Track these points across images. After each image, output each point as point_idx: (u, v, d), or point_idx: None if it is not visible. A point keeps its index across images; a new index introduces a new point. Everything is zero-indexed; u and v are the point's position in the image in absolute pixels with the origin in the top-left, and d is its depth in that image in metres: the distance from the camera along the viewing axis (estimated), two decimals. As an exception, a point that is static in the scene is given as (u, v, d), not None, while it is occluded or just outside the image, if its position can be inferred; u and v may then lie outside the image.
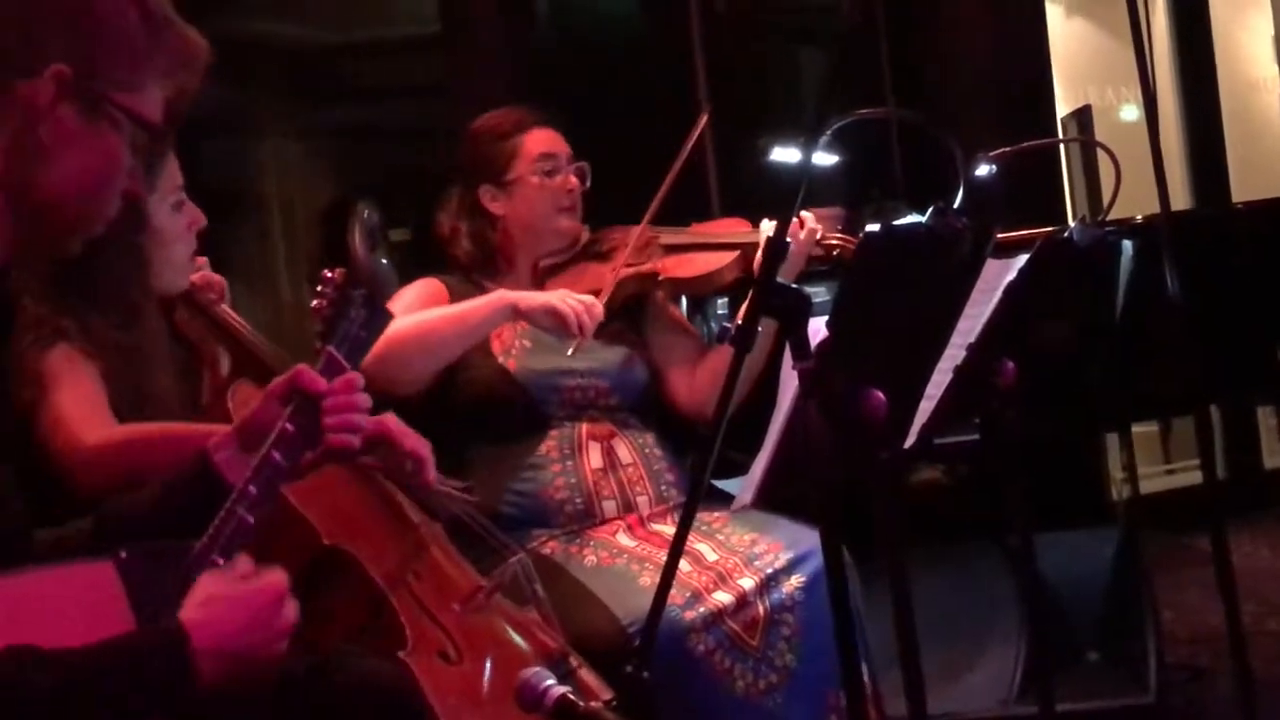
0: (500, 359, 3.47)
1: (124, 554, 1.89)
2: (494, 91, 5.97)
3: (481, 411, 3.42)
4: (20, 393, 2.53)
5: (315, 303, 2.97)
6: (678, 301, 3.87)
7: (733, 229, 3.65)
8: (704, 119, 3.69)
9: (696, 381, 3.60)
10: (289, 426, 2.06)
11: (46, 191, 1.91)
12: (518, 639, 2.88)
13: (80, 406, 2.57)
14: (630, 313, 3.65)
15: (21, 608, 1.81)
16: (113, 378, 2.63)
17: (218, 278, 2.98)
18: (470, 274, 3.63)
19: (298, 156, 7.35)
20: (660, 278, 3.59)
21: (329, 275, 2.83)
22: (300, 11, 7.27)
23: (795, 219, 3.42)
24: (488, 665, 2.74)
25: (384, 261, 4.71)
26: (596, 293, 3.48)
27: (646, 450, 3.49)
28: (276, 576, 1.95)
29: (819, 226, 3.48)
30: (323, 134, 7.43)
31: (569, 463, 3.41)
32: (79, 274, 2.58)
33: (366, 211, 4.73)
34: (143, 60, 1.94)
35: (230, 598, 1.89)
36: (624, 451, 3.47)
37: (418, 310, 3.44)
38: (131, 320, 2.66)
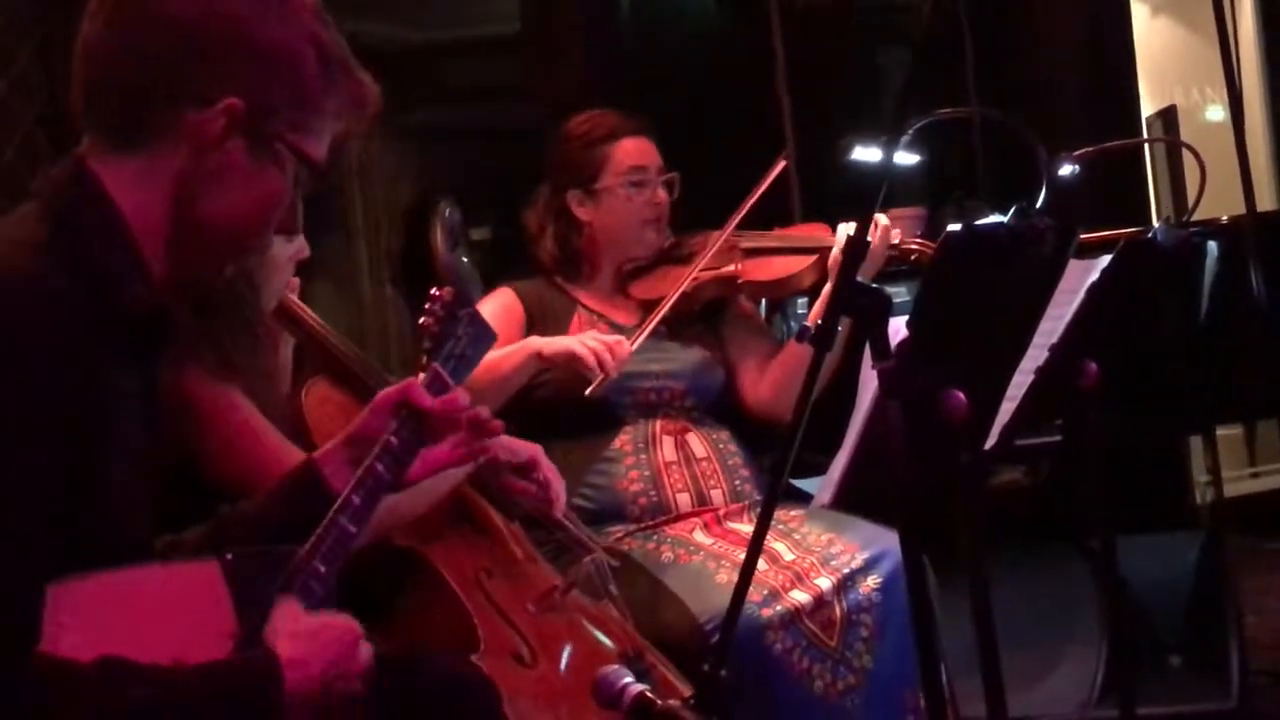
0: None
1: (229, 555, 1.91)
2: (573, 92, 5.98)
3: (554, 410, 3.43)
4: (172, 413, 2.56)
5: (423, 320, 2.99)
6: (757, 304, 3.87)
7: (813, 234, 3.66)
8: (781, 164, 3.68)
9: (765, 380, 3.61)
10: (394, 440, 2.09)
11: (207, 219, 1.93)
12: (596, 636, 2.89)
13: (256, 427, 2.61)
14: (710, 316, 3.66)
15: (129, 603, 1.82)
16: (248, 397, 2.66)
17: (294, 280, 3.01)
18: (552, 276, 3.65)
19: (380, 156, 7.39)
20: (739, 281, 3.60)
21: (437, 294, 2.86)
22: (384, 11, 7.31)
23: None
24: (564, 662, 2.75)
25: (465, 260, 4.75)
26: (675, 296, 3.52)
27: (721, 445, 3.50)
28: (349, 619, 1.94)
29: (896, 229, 3.47)
30: (405, 134, 7.47)
31: (642, 456, 3.43)
32: (211, 299, 2.61)
33: (448, 210, 4.77)
34: (317, 103, 1.96)
35: (317, 636, 1.89)
36: (698, 445, 3.48)
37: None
38: (256, 342, 2.70)
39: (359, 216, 7.08)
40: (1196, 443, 5.75)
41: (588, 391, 3.34)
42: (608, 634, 2.90)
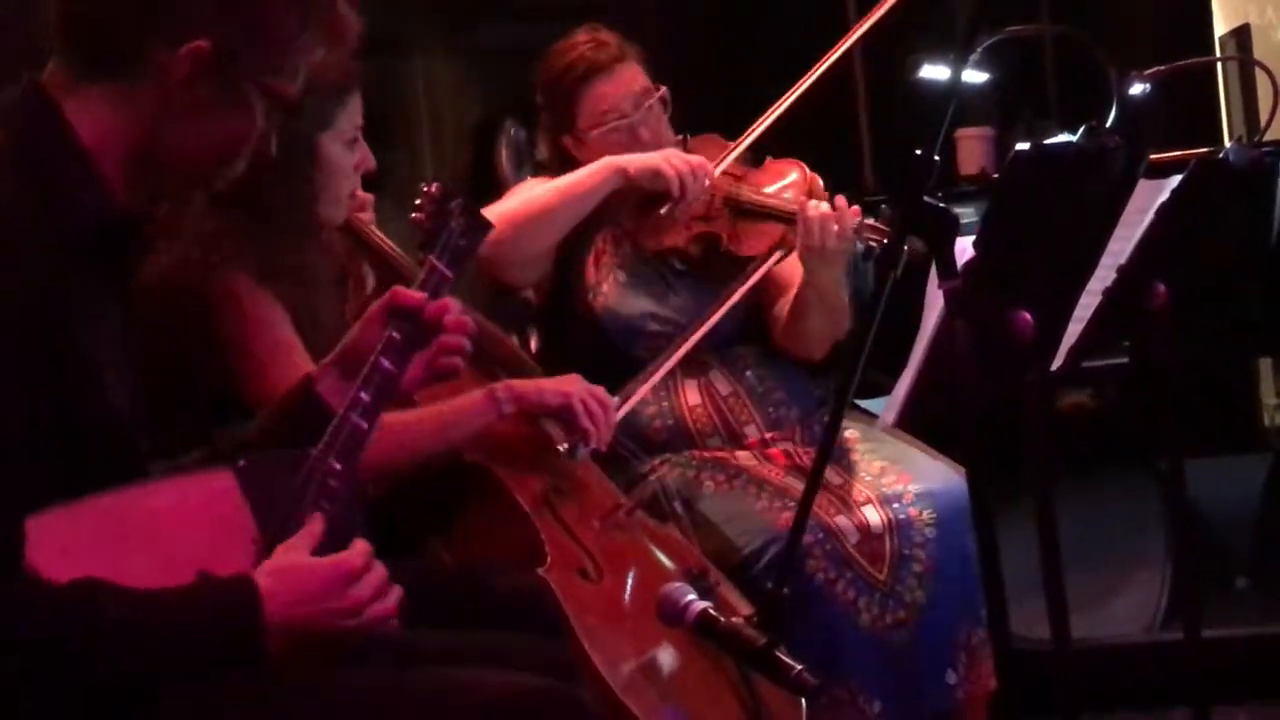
0: (590, 294, 3.46)
1: (243, 462, 1.92)
2: (647, 8, 5.95)
3: (572, 354, 3.36)
4: (210, 312, 2.58)
5: (414, 215, 3.00)
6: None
7: (787, 186, 3.51)
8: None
9: (780, 330, 3.50)
10: (396, 335, 2.08)
11: (169, 152, 1.94)
12: (659, 554, 2.90)
13: (279, 354, 2.62)
14: (706, 259, 3.52)
15: (145, 519, 1.84)
16: (284, 301, 2.67)
17: (366, 195, 3.01)
18: None
19: (446, 74, 7.37)
20: (721, 248, 3.48)
21: (426, 189, 2.86)
22: (452, -71, 7.28)
23: (829, 203, 3.33)
24: (629, 580, 2.77)
25: (530, 179, 4.74)
26: (676, 251, 3.48)
27: (747, 374, 3.44)
28: (354, 554, 1.92)
29: (853, 218, 3.33)
30: (471, 52, 7.45)
31: (665, 403, 3.38)
32: (250, 196, 2.62)
33: (514, 129, 4.76)
34: (288, 44, 1.96)
35: (302, 569, 1.88)
36: (723, 383, 3.42)
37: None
38: (301, 244, 2.70)
39: (424, 135, 7.09)
40: (1266, 365, 5.71)
41: (662, 210, 3.32)
42: (671, 553, 2.92)
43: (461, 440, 2.76)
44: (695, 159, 3.34)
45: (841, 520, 3.13)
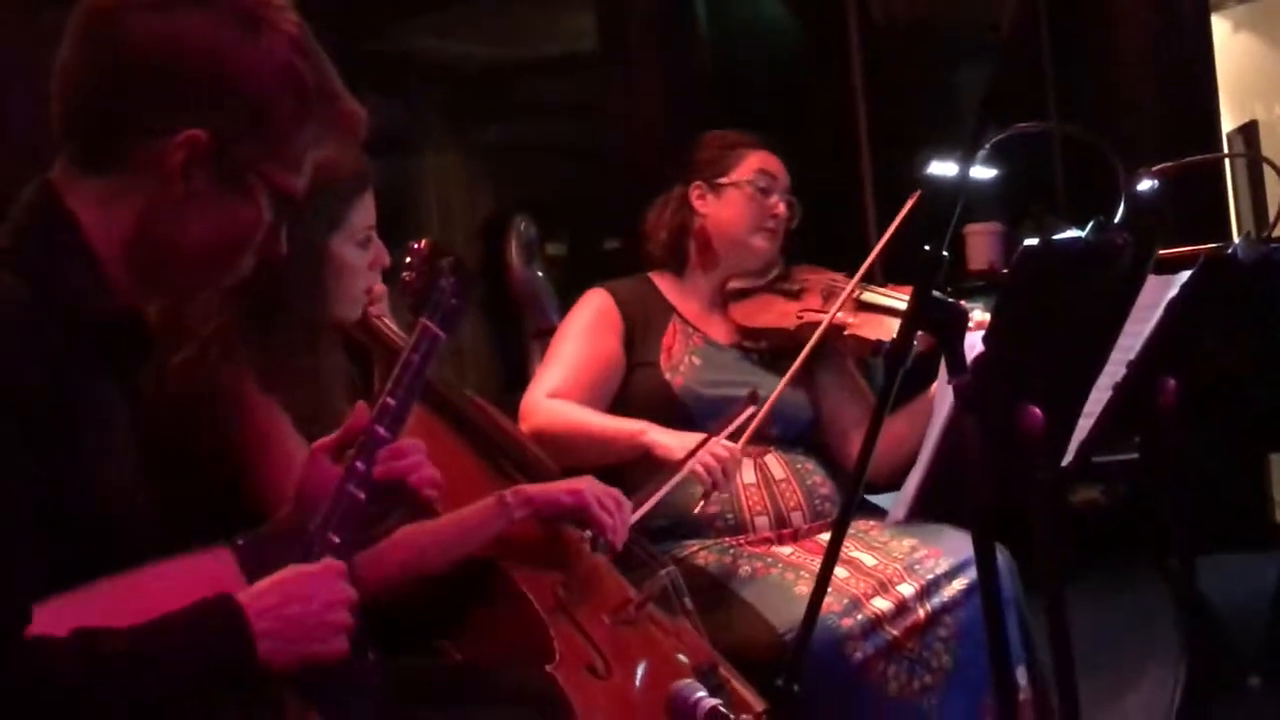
0: (667, 374, 3.49)
1: (240, 540, 1.92)
2: (650, 109, 5.99)
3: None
4: (216, 419, 2.57)
5: (404, 275, 3.00)
6: (855, 359, 3.76)
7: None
8: (914, 199, 3.65)
9: (855, 445, 3.51)
10: (390, 401, 2.07)
11: (172, 245, 1.93)
12: (670, 650, 2.89)
13: (282, 468, 2.61)
14: (812, 354, 3.57)
15: (142, 595, 1.84)
16: (293, 407, 2.66)
17: (379, 287, 3.01)
18: (650, 276, 3.65)
19: (457, 171, 7.43)
20: (845, 332, 3.54)
21: (416, 247, 2.86)
22: (462, 29, 7.35)
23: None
24: (639, 675, 2.75)
25: (540, 275, 4.76)
26: (776, 330, 3.54)
27: (798, 465, 3.47)
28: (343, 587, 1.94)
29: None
30: (482, 149, 7.51)
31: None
32: (259, 299, 2.62)
33: (524, 225, 4.79)
34: (289, 135, 1.94)
35: (286, 574, 1.90)
36: (777, 467, 3.45)
37: (586, 342, 3.52)
38: (311, 346, 2.69)
39: (435, 230, 7.13)
40: (1276, 461, 5.70)
41: (695, 510, 3.32)
42: (682, 648, 2.90)
43: (477, 548, 2.75)
44: (728, 450, 3.30)
45: (879, 602, 3.14)
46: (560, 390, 3.44)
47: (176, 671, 1.78)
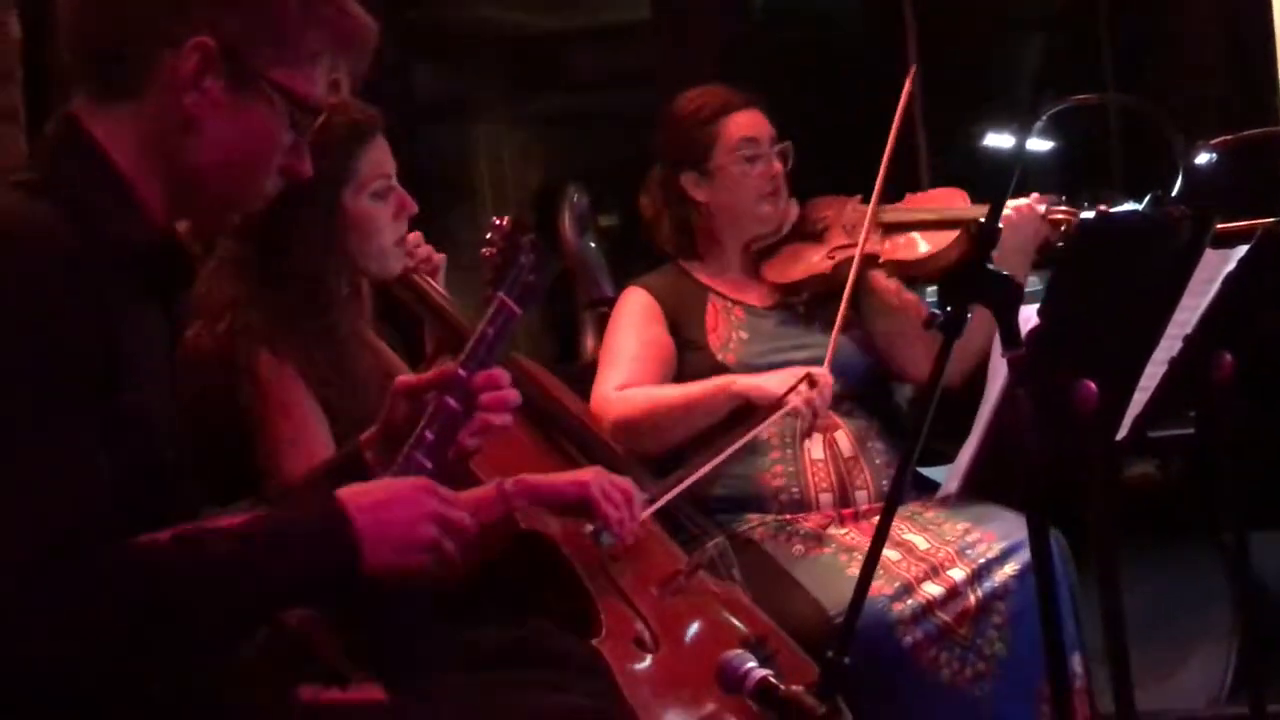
0: (719, 355, 3.45)
1: None
2: (704, 77, 5.98)
3: None
4: (232, 389, 2.57)
5: (484, 250, 2.99)
6: (903, 281, 3.75)
7: (950, 202, 3.56)
8: (910, 77, 3.63)
9: (922, 348, 3.48)
10: (462, 372, 2.07)
11: (194, 162, 1.92)
12: (724, 615, 2.88)
13: (301, 443, 2.61)
14: (852, 291, 3.56)
15: None
16: (312, 370, 2.66)
17: (438, 256, 3.00)
18: (677, 261, 3.63)
19: (510, 141, 7.43)
20: (881, 260, 3.52)
21: (498, 222, 2.84)
22: (517, -1, 7.35)
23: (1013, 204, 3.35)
24: (690, 634, 2.75)
25: (593, 246, 4.74)
26: (812, 279, 3.49)
27: (869, 443, 3.42)
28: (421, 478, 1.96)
29: (1041, 204, 3.37)
30: (535, 120, 7.51)
31: (789, 451, 3.37)
32: (269, 260, 2.62)
33: (576, 196, 4.77)
34: (298, 36, 1.93)
35: (377, 484, 1.93)
36: (847, 445, 3.40)
37: (638, 344, 3.48)
38: (325, 307, 2.69)
39: (487, 201, 7.14)
40: (1334, 437, 5.65)
41: (806, 443, 3.33)
42: (735, 615, 2.90)
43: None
44: (821, 375, 3.27)
45: (930, 587, 3.12)
46: (626, 382, 3.42)
47: (283, 571, 1.81)
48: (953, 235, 3.43)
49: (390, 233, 2.78)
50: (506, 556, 2.74)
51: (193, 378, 2.46)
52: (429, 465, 2.01)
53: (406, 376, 2.18)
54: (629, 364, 3.46)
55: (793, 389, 3.23)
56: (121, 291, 1.84)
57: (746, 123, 3.54)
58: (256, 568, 1.78)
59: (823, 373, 3.28)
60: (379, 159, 2.75)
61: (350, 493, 1.88)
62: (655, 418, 3.36)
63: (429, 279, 2.94)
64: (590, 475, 2.75)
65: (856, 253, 3.46)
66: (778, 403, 3.22)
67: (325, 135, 2.48)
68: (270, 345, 2.60)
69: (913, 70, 3.70)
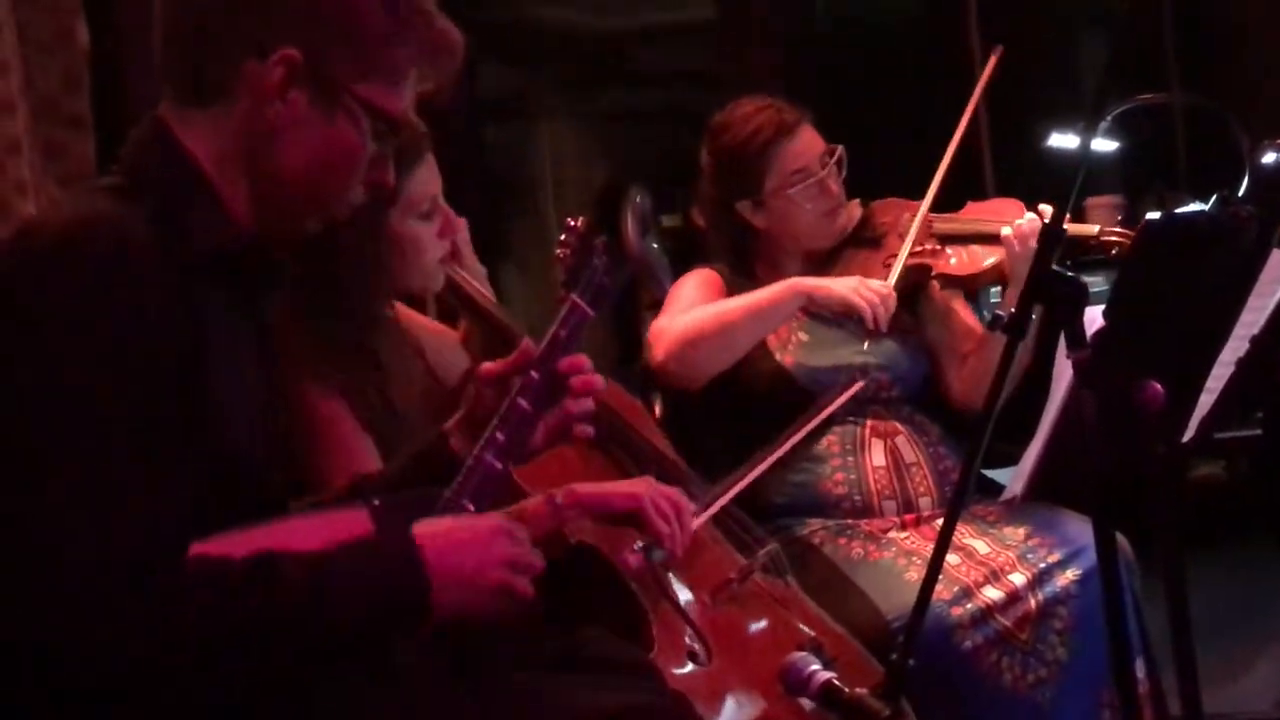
0: (777, 355, 3.43)
1: (377, 502, 1.94)
2: (767, 76, 5.98)
3: (760, 409, 3.37)
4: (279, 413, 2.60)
5: (559, 251, 2.98)
6: (965, 293, 3.75)
7: (1007, 213, 3.55)
8: (996, 56, 3.61)
9: (966, 372, 3.52)
10: (534, 374, 2.08)
11: (277, 170, 1.93)
12: (787, 615, 2.88)
13: (354, 445, 2.62)
14: (907, 298, 3.58)
15: (283, 547, 1.85)
16: (355, 389, 2.67)
17: (479, 268, 3.00)
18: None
19: (573, 140, 7.44)
20: (933, 273, 3.52)
21: (572, 224, 2.84)
22: (582, -2, 7.36)
23: (1027, 219, 3.35)
24: (747, 635, 2.74)
25: (655, 246, 4.74)
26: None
27: (931, 449, 3.41)
28: (496, 517, 1.97)
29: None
30: (598, 118, 7.51)
31: (850, 459, 3.37)
32: (315, 288, 2.62)
33: (639, 196, 4.76)
34: (385, 52, 1.94)
35: (453, 523, 1.93)
36: (908, 450, 3.39)
37: (700, 297, 3.46)
38: (369, 331, 2.69)
39: (549, 200, 7.15)
40: (1403, 439, 5.60)
41: (865, 346, 3.33)
42: (795, 617, 2.90)
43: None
44: (881, 286, 3.32)
45: (990, 591, 3.10)
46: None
47: (353, 606, 1.80)
48: (999, 250, 3.42)
49: (434, 250, 2.79)
50: (556, 569, 2.74)
51: None
52: (499, 467, 2.02)
53: (490, 364, 2.18)
54: (690, 308, 3.43)
55: (855, 291, 3.26)
56: (206, 291, 1.86)
57: (798, 149, 3.50)
58: (325, 600, 1.79)
59: (886, 285, 3.32)
60: (427, 179, 2.76)
61: (427, 532, 1.88)
62: (720, 330, 3.33)
63: (470, 279, 2.93)
64: (642, 487, 2.72)
65: (897, 263, 3.46)
66: (840, 308, 3.31)
67: None
68: (313, 370, 2.62)
69: (998, 52, 3.66)
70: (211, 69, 1.91)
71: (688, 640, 2.69)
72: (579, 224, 2.57)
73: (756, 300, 3.35)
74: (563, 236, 2.90)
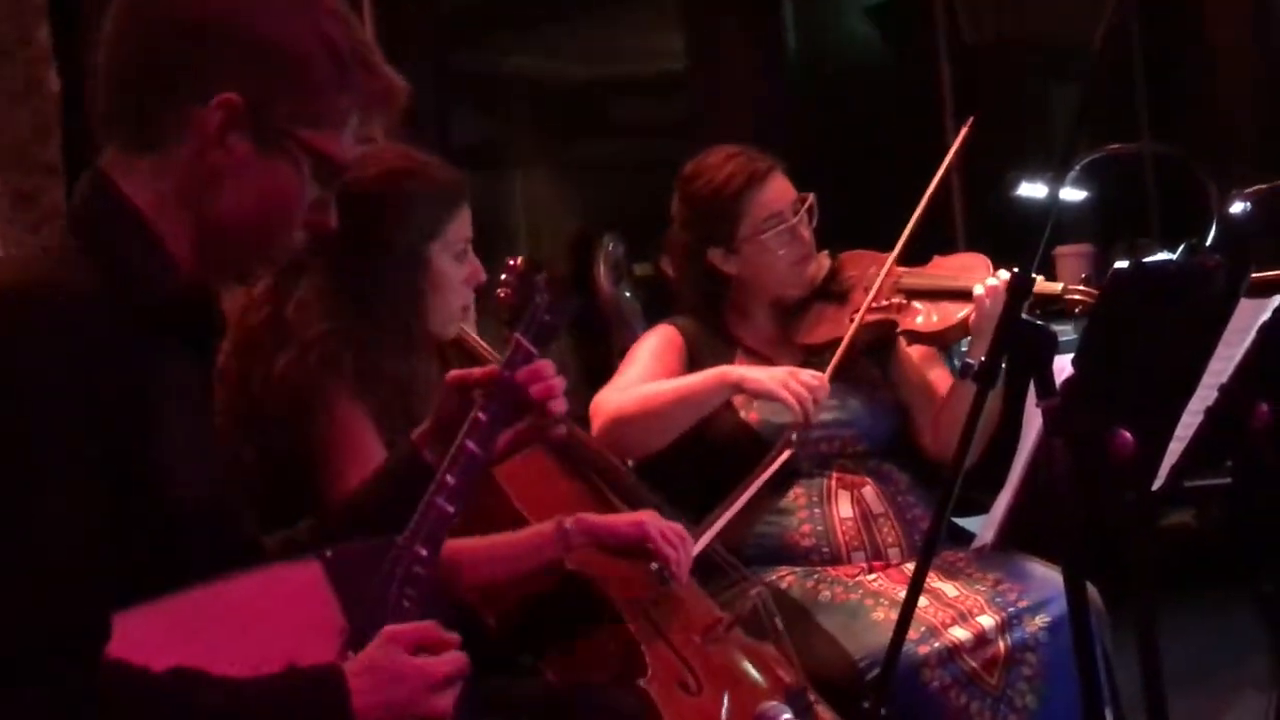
0: (741, 412, 3.41)
1: (329, 553, 1.93)
2: (739, 127, 6.00)
3: (724, 464, 3.33)
4: (305, 414, 2.59)
5: (499, 291, 2.98)
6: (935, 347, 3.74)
7: (975, 268, 3.55)
8: (968, 126, 3.62)
9: (938, 423, 3.51)
10: (482, 416, 2.08)
11: (218, 215, 1.92)
12: (755, 672, 2.88)
13: (359, 471, 2.62)
14: (875, 353, 3.58)
15: (232, 611, 1.84)
16: (385, 412, 2.68)
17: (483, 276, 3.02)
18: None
19: (547, 188, 7.46)
20: (898, 330, 3.51)
21: (512, 263, 2.83)
22: (552, 48, 7.39)
23: (998, 277, 3.35)
24: (726, 697, 2.75)
25: (628, 295, 4.75)
26: (835, 342, 3.44)
27: (899, 498, 3.39)
28: (447, 660, 1.92)
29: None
30: (571, 167, 7.54)
31: (817, 510, 3.35)
32: (361, 305, 2.64)
33: (612, 245, 4.79)
34: (327, 98, 1.93)
35: (391, 671, 1.87)
36: (875, 502, 3.37)
37: (652, 365, 3.45)
38: (407, 353, 2.71)
39: (523, 248, 7.16)
40: (1374, 486, 5.62)
41: (793, 437, 3.26)
42: (764, 672, 2.90)
43: (528, 572, 2.74)
44: (812, 377, 3.27)
45: (957, 631, 3.10)
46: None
47: None
48: (969, 307, 3.40)
49: (458, 296, 2.80)
50: (555, 603, 2.75)
51: (276, 401, 2.55)
52: (450, 510, 2.02)
53: (457, 371, 2.20)
54: (634, 380, 3.42)
55: (784, 384, 3.23)
56: (152, 343, 1.85)
57: (771, 196, 3.48)
58: None
59: (819, 375, 3.28)
60: (465, 222, 2.79)
61: (351, 673, 1.84)
62: (652, 411, 3.32)
63: (481, 342, 2.95)
64: (647, 516, 2.78)
65: (858, 317, 3.43)
66: (771, 397, 3.24)
67: (423, 187, 2.59)
68: (352, 385, 2.63)
69: (972, 119, 3.67)
70: (154, 114, 1.90)
71: (680, 671, 2.70)
72: (518, 263, 2.57)
73: (688, 386, 3.33)
74: (503, 276, 2.91)
